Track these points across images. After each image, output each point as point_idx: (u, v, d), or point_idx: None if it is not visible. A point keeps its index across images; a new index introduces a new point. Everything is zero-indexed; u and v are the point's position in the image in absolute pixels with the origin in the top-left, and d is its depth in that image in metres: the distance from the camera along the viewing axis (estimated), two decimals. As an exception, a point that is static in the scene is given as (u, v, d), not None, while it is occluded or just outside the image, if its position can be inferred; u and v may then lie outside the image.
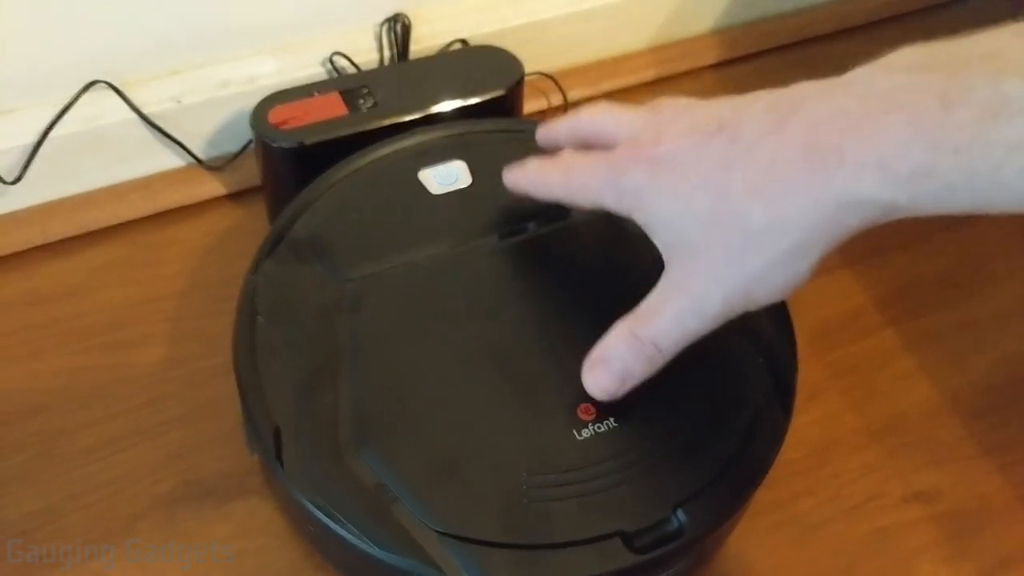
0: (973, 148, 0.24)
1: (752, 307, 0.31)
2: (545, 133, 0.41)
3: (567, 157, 0.37)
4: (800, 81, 0.30)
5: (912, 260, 0.52)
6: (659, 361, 0.33)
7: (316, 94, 0.47)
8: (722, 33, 0.62)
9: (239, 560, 0.39)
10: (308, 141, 0.45)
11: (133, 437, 0.42)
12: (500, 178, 0.42)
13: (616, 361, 0.34)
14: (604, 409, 0.36)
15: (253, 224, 0.50)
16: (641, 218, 0.33)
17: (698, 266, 0.31)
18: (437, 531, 0.33)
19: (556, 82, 0.56)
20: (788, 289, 0.31)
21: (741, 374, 0.38)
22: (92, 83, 0.47)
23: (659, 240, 0.33)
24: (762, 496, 0.41)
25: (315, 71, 0.51)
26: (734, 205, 0.29)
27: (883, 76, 0.27)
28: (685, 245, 0.31)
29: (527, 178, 0.39)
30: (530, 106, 0.56)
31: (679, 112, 0.33)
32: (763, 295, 0.31)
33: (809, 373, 0.45)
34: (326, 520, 0.33)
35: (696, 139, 0.31)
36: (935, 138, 0.25)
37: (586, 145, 0.38)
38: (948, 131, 0.25)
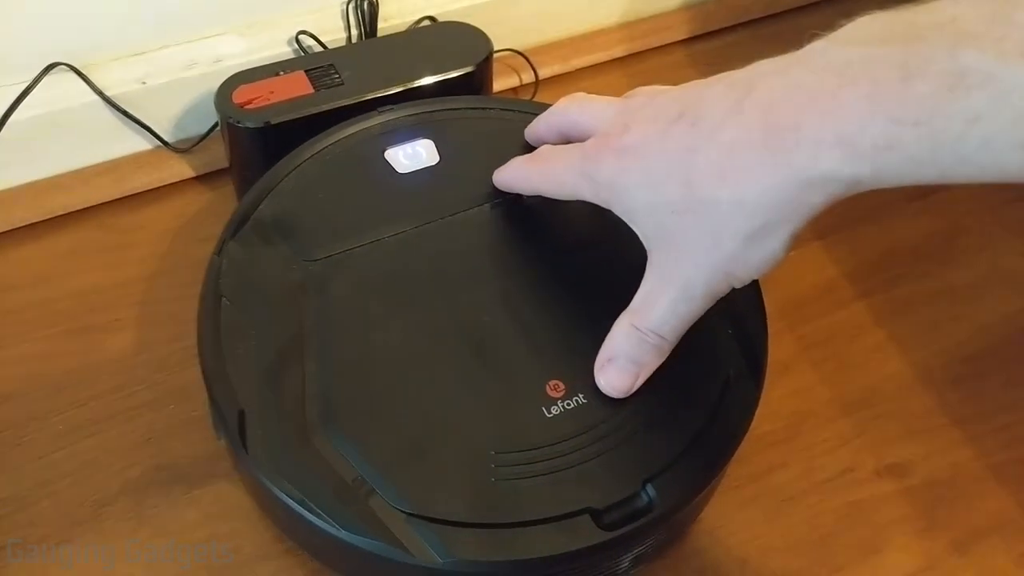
0: (934, 121, 0.24)
1: (737, 285, 0.32)
2: (529, 129, 0.42)
3: (545, 152, 0.38)
4: (772, 55, 0.30)
5: (884, 232, 0.52)
6: (666, 348, 0.34)
7: (281, 73, 0.46)
8: (693, 8, 0.61)
9: (209, 545, 0.38)
10: (274, 121, 0.45)
11: (102, 423, 0.42)
12: (468, 156, 0.42)
13: (624, 358, 0.34)
14: (573, 385, 0.36)
15: (222, 206, 0.50)
16: (619, 209, 0.33)
17: (678, 255, 0.32)
18: (404, 512, 0.32)
19: (527, 59, 0.56)
20: (765, 266, 0.31)
21: (711, 347, 0.38)
22: (53, 65, 0.46)
23: (639, 229, 0.33)
24: (735, 470, 0.41)
25: (282, 50, 0.50)
26: (701, 191, 0.30)
27: (839, 49, 0.27)
28: (663, 234, 0.32)
29: (512, 176, 0.40)
30: (501, 83, 0.55)
31: (647, 100, 0.34)
32: (743, 274, 0.31)
33: (781, 347, 0.46)
34: (292, 503, 0.33)
35: (660, 127, 0.31)
36: (895, 111, 0.25)
37: (565, 137, 0.39)
38: (908, 104, 0.24)
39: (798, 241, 0.50)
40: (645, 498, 0.34)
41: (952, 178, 0.25)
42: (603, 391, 0.35)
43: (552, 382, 0.36)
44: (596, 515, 0.33)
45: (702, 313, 0.33)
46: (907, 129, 0.24)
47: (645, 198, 0.32)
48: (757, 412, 0.37)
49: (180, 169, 0.51)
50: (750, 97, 0.29)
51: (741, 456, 0.38)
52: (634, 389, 0.35)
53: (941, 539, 0.41)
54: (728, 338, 0.38)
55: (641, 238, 0.33)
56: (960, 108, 0.24)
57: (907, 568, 0.40)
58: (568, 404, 0.35)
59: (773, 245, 0.30)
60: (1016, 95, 0.23)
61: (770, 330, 0.39)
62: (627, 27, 0.60)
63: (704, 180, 0.29)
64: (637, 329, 0.34)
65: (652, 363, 0.35)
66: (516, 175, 0.39)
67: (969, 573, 0.40)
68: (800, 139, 0.27)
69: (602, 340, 0.37)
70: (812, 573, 0.39)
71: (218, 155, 0.51)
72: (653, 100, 0.33)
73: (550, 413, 0.35)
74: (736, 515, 0.41)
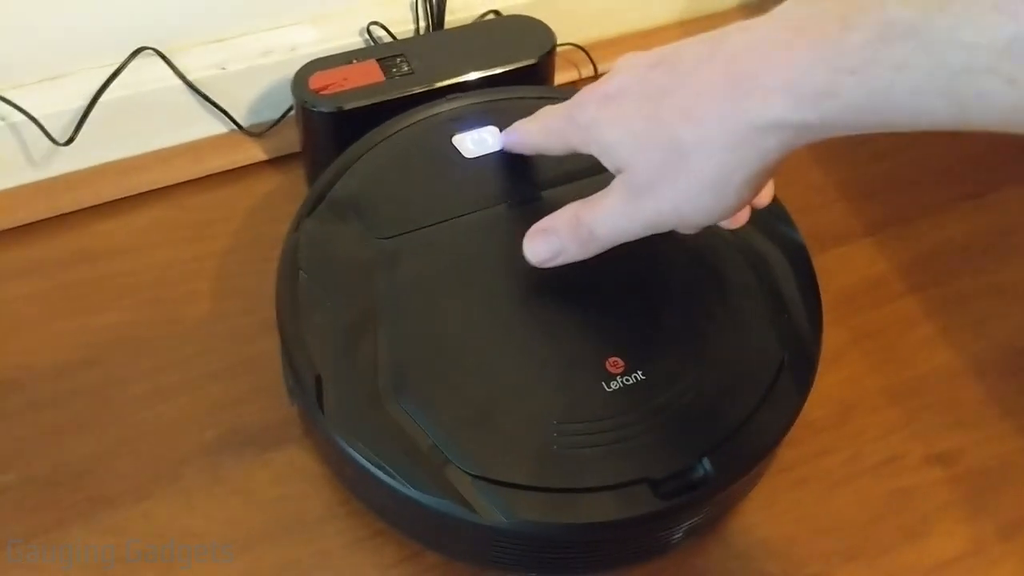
0: (867, 70, 0.26)
1: (683, 226, 0.34)
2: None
3: (542, 111, 0.40)
4: None
5: (936, 228, 0.53)
6: (592, 248, 0.36)
7: (354, 61, 0.48)
8: (750, 7, 0.62)
9: (279, 504, 0.41)
10: (347, 106, 0.47)
11: (180, 388, 0.44)
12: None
13: (555, 236, 0.37)
14: (632, 363, 0.37)
15: (292, 188, 0.52)
16: (595, 149, 0.35)
17: (638, 180, 0.33)
18: (471, 474, 0.34)
19: (587, 53, 0.57)
20: (716, 212, 0.33)
21: (768, 331, 0.39)
22: (140, 49, 0.49)
23: (609, 164, 0.35)
24: (785, 453, 0.42)
25: (353, 40, 0.53)
26: (666, 129, 0.32)
27: (796, 7, 0.29)
28: (628, 167, 0.34)
29: (514, 137, 0.42)
30: (561, 77, 0.57)
31: (635, 55, 0.35)
32: (693, 215, 0.33)
33: (832, 337, 0.46)
34: (365, 463, 0.35)
35: (641, 72, 0.33)
36: (835, 60, 0.26)
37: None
38: (846, 53, 0.26)
39: (849, 236, 0.51)
40: (701, 471, 0.35)
41: (894, 126, 0.27)
42: (525, 254, 0.38)
43: (612, 359, 0.37)
44: (654, 484, 0.35)
45: (638, 237, 0.35)
46: (845, 77, 0.26)
47: (615, 134, 0.34)
48: (808, 398, 0.38)
49: (253, 152, 0.53)
50: (720, 48, 0.31)
51: (792, 440, 0.39)
52: (547, 265, 0.37)
53: (987, 526, 0.42)
54: (784, 323, 0.39)
55: (612, 170, 0.35)
56: (888, 57, 0.25)
57: (952, 552, 0.41)
58: (627, 380, 0.37)
59: (727, 190, 0.31)
60: (935, 45, 0.24)
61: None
62: (685, 25, 0.61)
63: (671, 119, 0.31)
64: (578, 219, 0.36)
65: (574, 253, 0.37)
66: (517, 134, 0.42)
67: (1014, 559, 0.41)
68: (756, 86, 0.29)
69: (661, 323, 0.39)
70: (859, 554, 0.40)
71: (289, 140, 0.53)
72: (642, 53, 0.35)
73: (609, 388, 0.37)
74: (786, 496, 0.42)
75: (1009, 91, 0.23)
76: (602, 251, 0.36)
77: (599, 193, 0.35)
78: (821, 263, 0.43)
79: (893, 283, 0.50)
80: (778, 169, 0.32)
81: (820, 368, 0.40)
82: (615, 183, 0.35)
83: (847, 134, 0.28)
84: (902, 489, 0.43)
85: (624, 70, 0.35)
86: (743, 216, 0.37)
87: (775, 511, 0.41)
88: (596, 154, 0.35)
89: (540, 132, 0.40)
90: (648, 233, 0.34)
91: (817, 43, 0.27)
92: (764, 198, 0.38)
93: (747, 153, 0.30)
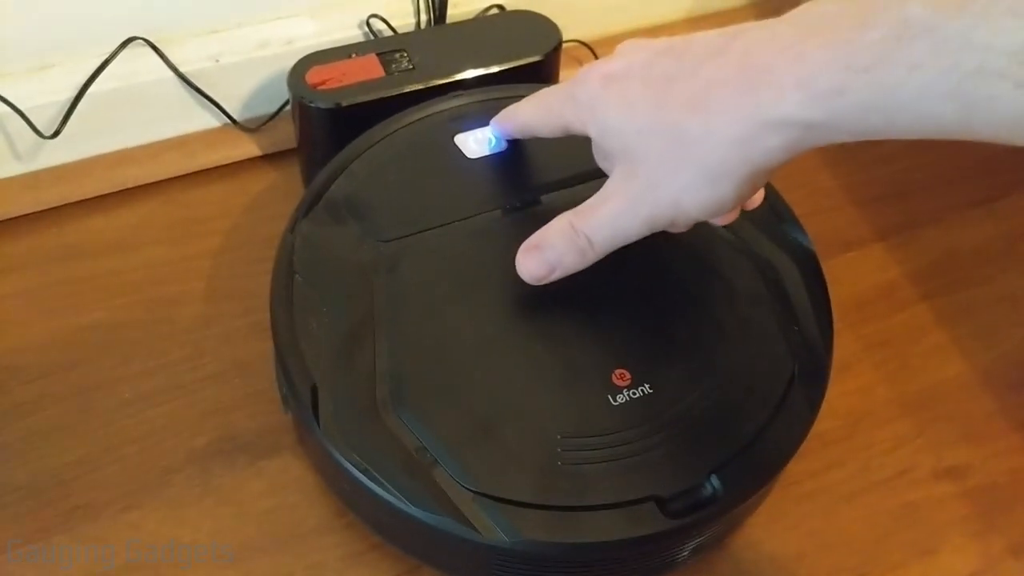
0: (880, 68, 0.26)
1: (680, 219, 0.33)
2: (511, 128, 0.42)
3: (541, 91, 0.39)
4: None
5: (947, 235, 0.52)
6: (590, 256, 0.35)
7: (354, 55, 0.47)
8: (760, 5, 0.61)
9: (272, 515, 0.39)
10: (345, 102, 0.45)
11: (170, 392, 0.43)
12: (535, 143, 0.42)
13: (550, 250, 0.35)
14: (639, 375, 0.36)
15: (288, 186, 0.51)
16: (592, 130, 0.34)
17: (636, 172, 0.33)
18: (472, 491, 0.33)
19: (592, 51, 0.56)
20: (713, 206, 0.32)
21: (777, 344, 0.38)
22: (130, 40, 0.47)
23: (607, 148, 0.34)
24: (793, 466, 0.41)
25: (352, 33, 0.51)
26: (672, 117, 0.31)
27: (818, 7, 0.29)
28: (626, 152, 0.33)
29: (507, 119, 0.41)
30: (567, 75, 0.55)
31: (638, 40, 0.35)
32: (691, 207, 0.32)
33: (842, 346, 0.45)
34: (361, 477, 0.34)
35: (648, 57, 0.33)
36: (849, 58, 0.26)
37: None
38: (860, 51, 0.26)
39: (860, 242, 0.50)
40: (709, 488, 0.34)
41: (898, 129, 0.27)
42: (519, 273, 0.36)
43: (618, 371, 0.36)
44: (661, 503, 0.33)
45: (637, 237, 0.34)
46: (858, 75, 0.26)
47: (616, 117, 0.33)
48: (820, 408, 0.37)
49: (247, 148, 0.51)
50: (735, 42, 0.30)
51: (800, 453, 0.38)
52: (544, 281, 0.36)
53: (998, 542, 0.41)
54: (794, 335, 0.38)
55: (608, 157, 0.34)
56: (904, 56, 0.25)
57: (963, 570, 0.40)
58: (634, 393, 0.36)
59: (726, 185, 0.31)
60: (950, 45, 0.24)
61: (832, 329, 0.39)
62: (693, 22, 0.60)
63: (676, 107, 0.31)
64: (573, 227, 0.35)
65: (571, 265, 0.35)
66: (508, 113, 0.41)
67: (1026, 578, 0.40)
68: (769, 81, 0.28)
69: (669, 333, 0.38)
70: (868, 570, 0.40)
71: (285, 135, 0.51)
72: (641, 41, 0.34)
73: (616, 401, 0.36)
74: (794, 510, 0.41)
75: (1018, 96, 0.23)
76: (600, 258, 0.35)
77: (590, 200, 0.34)
78: (830, 269, 0.42)
79: (903, 290, 0.49)
80: (776, 172, 0.31)
81: (830, 379, 0.38)
82: (610, 185, 0.34)
83: (850, 139, 0.28)
84: (912, 504, 0.42)
85: (629, 52, 0.34)
86: (733, 214, 0.36)
87: (783, 526, 0.40)
88: (593, 135, 0.34)
89: (535, 109, 0.39)
90: (647, 232, 0.33)
91: (833, 41, 0.27)
92: (756, 199, 0.37)
93: (752, 149, 0.29)
